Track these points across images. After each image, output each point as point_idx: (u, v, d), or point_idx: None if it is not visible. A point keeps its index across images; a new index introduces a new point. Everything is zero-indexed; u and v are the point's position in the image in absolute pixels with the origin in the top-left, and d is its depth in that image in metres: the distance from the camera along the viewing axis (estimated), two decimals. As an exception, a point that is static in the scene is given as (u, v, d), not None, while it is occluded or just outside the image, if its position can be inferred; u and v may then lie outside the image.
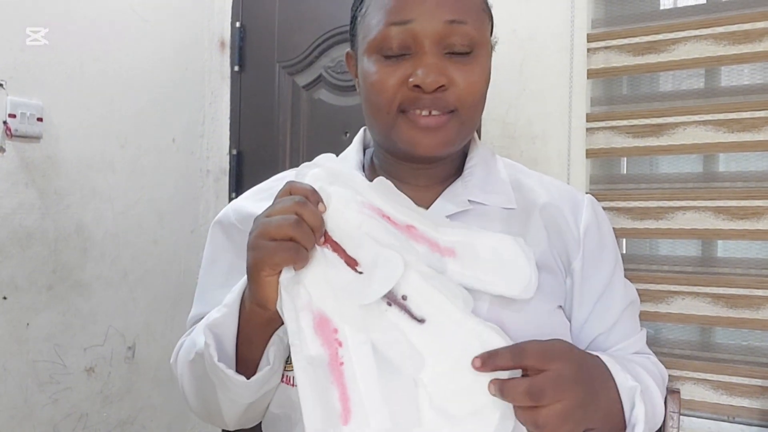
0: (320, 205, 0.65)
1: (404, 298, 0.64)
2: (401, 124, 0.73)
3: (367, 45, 0.73)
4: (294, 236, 0.62)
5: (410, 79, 0.70)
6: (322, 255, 0.65)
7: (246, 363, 0.73)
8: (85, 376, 2.00)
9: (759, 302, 1.54)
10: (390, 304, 0.64)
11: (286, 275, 0.63)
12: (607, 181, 1.79)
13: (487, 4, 0.78)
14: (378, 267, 0.64)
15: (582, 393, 0.62)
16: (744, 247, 1.65)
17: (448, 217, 0.75)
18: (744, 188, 1.59)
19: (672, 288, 1.63)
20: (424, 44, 0.70)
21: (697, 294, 1.60)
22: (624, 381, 0.70)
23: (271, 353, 0.71)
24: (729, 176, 1.64)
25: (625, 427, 0.69)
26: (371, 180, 0.76)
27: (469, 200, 0.76)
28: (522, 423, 0.61)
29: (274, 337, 0.72)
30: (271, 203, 0.66)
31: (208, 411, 0.78)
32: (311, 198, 0.64)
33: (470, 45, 0.71)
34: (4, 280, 1.79)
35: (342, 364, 0.62)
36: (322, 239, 0.65)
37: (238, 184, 2.38)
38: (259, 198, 0.85)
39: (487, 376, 0.62)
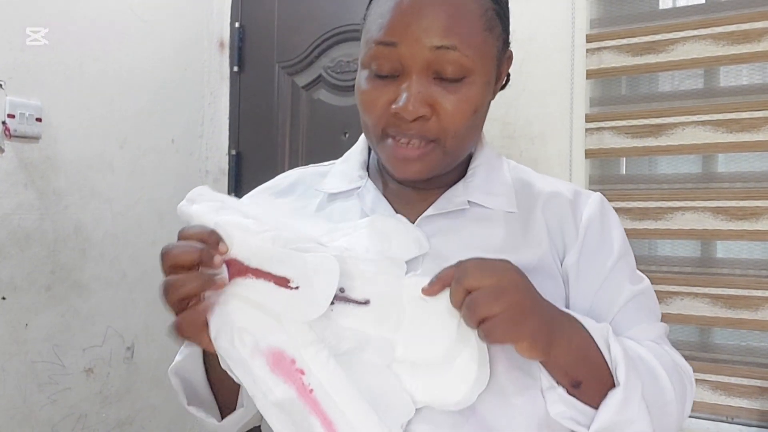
0: (221, 245, 0.60)
1: (342, 290, 0.63)
2: (384, 148, 0.72)
3: (362, 57, 0.72)
4: (200, 291, 0.59)
5: (392, 106, 0.69)
6: (250, 287, 0.60)
7: (224, 402, 0.74)
8: (84, 376, 2.00)
9: (758, 303, 1.54)
10: (333, 303, 0.62)
11: (214, 332, 0.60)
12: (607, 181, 1.78)
13: (495, 19, 0.72)
14: (313, 274, 0.60)
15: (524, 299, 0.61)
16: (743, 247, 1.65)
17: (442, 214, 0.74)
18: (743, 189, 1.59)
19: (671, 288, 1.63)
20: (410, 70, 0.68)
21: (696, 294, 1.60)
22: (593, 324, 0.67)
23: (245, 394, 0.71)
24: (728, 177, 1.64)
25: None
26: (379, 185, 0.76)
27: (468, 201, 0.76)
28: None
29: None
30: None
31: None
32: (209, 240, 0.60)
33: (461, 72, 0.68)
34: (3, 281, 1.79)
35: (312, 391, 0.60)
36: (228, 276, 0.61)
37: (237, 185, 2.38)
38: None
39: (450, 316, 0.62)
